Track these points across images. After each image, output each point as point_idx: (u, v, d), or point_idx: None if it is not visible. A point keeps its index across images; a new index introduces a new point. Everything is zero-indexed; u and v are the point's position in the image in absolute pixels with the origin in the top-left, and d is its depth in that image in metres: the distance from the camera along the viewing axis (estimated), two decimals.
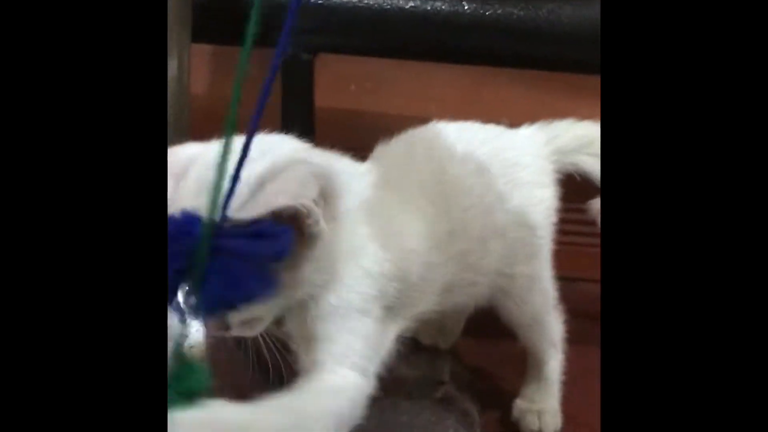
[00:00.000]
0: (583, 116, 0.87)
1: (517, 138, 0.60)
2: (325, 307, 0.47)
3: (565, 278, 0.65)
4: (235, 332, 0.47)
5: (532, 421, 0.63)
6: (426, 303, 0.52)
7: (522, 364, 0.66)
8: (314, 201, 0.43)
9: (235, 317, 0.46)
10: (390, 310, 0.49)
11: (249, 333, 0.48)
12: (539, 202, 0.58)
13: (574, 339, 0.65)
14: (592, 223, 0.65)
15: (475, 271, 0.55)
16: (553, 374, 0.64)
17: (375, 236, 0.48)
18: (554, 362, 0.63)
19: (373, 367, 0.48)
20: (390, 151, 0.55)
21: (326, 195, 0.45)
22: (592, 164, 0.60)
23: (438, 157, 0.54)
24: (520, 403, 0.65)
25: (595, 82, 0.78)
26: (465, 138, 0.56)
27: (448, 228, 0.52)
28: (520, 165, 0.57)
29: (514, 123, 0.85)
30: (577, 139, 0.61)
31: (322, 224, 0.44)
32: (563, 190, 0.71)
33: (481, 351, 0.72)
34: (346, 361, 0.47)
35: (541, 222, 0.58)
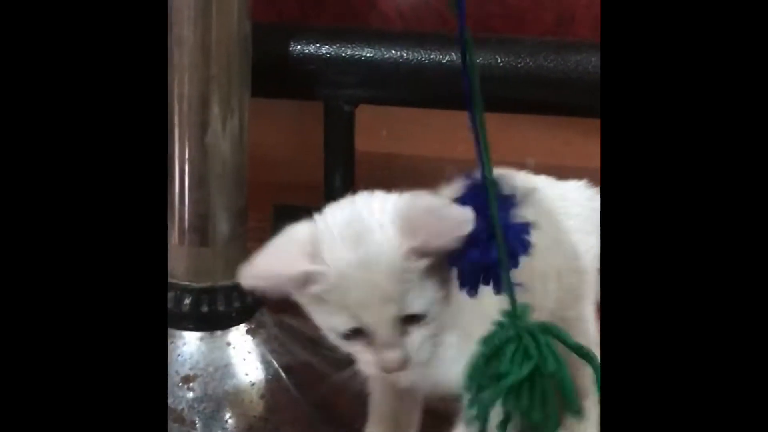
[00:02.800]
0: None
1: (568, 189, 0.64)
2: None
3: None
4: (406, 375, 0.49)
5: None
6: None
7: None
8: None
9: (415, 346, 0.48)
10: None
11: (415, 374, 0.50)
12: (588, 250, 0.62)
13: None
14: None
15: (539, 311, 0.56)
16: (592, 408, 0.66)
17: None
18: (594, 396, 0.66)
19: None
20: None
21: None
22: None
23: None
24: None
25: None
26: (528, 184, 0.60)
27: None
28: (570, 214, 0.61)
29: (538, 162, 0.89)
30: None
31: None
32: None
33: None
34: None
35: (589, 268, 0.62)
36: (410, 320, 0.48)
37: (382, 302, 0.47)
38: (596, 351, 0.64)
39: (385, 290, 0.47)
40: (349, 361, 0.75)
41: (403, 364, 0.48)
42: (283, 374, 0.66)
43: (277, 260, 0.50)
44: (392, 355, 0.48)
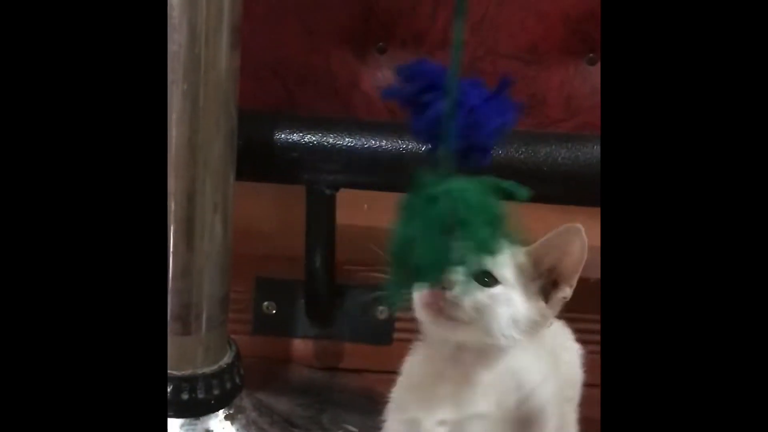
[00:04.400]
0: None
1: (558, 326, 0.65)
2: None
3: None
4: (449, 308, 0.48)
5: None
6: None
7: None
8: None
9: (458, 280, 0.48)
10: None
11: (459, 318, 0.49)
12: (578, 380, 0.64)
13: None
14: (592, 331, 0.72)
15: None
16: None
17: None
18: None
19: None
20: None
21: None
22: None
23: None
24: None
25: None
26: None
27: None
28: (565, 348, 0.64)
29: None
30: None
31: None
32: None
33: None
34: None
35: (577, 396, 0.64)
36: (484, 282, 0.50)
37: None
38: None
39: None
40: None
41: (454, 299, 0.48)
42: None
43: None
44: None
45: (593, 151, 0.77)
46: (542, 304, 0.52)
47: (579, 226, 0.51)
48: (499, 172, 0.79)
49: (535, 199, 0.81)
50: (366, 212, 1.04)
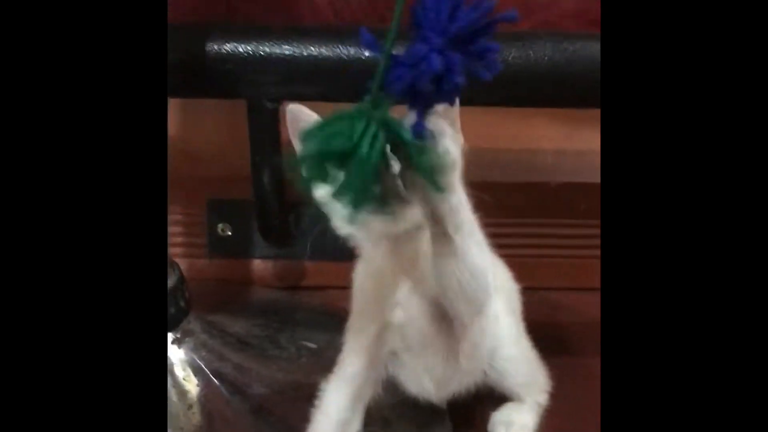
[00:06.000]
0: (574, 140, 0.91)
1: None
2: None
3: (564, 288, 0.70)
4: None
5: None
6: None
7: None
8: None
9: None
10: None
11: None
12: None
13: (572, 350, 0.71)
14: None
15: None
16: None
17: None
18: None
19: None
20: None
21: None
22: None
23: None
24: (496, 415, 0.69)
25: (583, 112, 0.81)
26: None
27: None
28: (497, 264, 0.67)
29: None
30: None
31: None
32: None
33: None
34: None
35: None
36: None
37: None
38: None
39: None
40: (282, 358, 0.76)
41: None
42: (215, 380, 0.67)
43: None
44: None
45: (544, 49, 0.73)
46: None
47: None
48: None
49: (488, 102, 0.79)
50: None
